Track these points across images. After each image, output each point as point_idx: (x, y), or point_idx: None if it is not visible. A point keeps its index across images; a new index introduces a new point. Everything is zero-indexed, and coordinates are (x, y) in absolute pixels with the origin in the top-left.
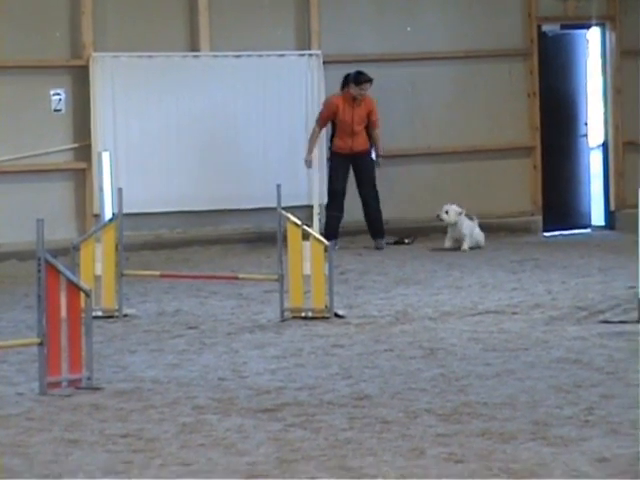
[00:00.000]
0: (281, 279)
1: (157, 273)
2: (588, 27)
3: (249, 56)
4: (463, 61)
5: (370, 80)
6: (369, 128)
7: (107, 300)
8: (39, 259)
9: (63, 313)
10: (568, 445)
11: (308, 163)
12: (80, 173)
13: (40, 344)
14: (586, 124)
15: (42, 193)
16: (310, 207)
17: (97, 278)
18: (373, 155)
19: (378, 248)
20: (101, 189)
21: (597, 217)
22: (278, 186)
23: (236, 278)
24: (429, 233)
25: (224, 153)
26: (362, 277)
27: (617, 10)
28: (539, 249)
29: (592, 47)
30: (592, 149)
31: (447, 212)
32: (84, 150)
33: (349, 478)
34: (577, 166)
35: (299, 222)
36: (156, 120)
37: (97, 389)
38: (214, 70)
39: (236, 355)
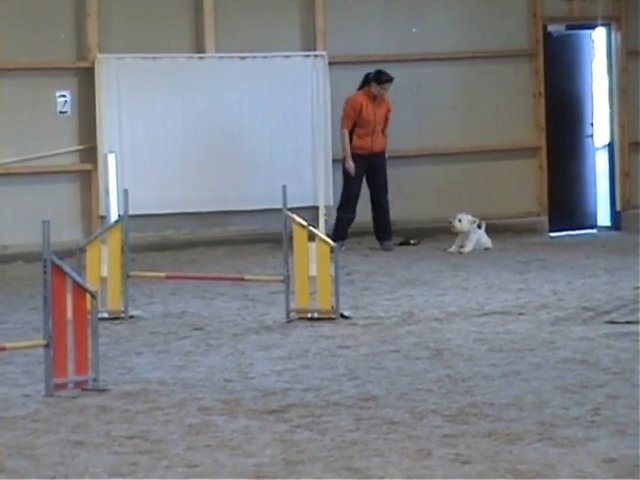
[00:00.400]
0: (287, 280)
1: (163, 274)
2: (594, 27)
3: (254, 57)
4: (469, 62)
5: (391, 79)
6: (383, 128)
7: (113, 302)
8: (45, 261)
9: (69, 315)
10: (575, 446)
11: (351, 169)
12: (86, 175)
13: (46, 346)
14: (592, 124)
15: (48, 195)
16: (316, 208)
17: (103, 280)
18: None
19: (386, 249)
20: (107, 191)
21: (603, 217)
22: (284, 187)
23: (242, 279)
24: (435, 234)
25: (230, 154)
26: (368, 278)
27: (623, 10)
28: (545, 249)
29: (598, 47)
30: (598, 149)
31: (460, 220)
32: (90, 152)
33: (355, 479)
34: (583, 166)
35: (305, 223)
36: (161, 121)
37: (103, 391)
38: (219, 71)
39: (242, 356)
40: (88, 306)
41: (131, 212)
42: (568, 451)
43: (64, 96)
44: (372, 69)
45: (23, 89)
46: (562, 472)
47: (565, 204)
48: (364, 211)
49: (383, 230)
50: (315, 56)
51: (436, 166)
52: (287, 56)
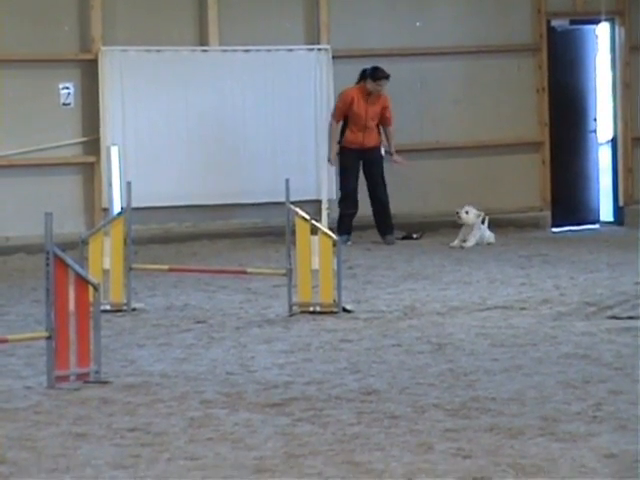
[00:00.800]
0: (289, 273)
1: (165, 267)
2: (597, 22)
3: (258, 50)
4: (472, 56)
5: (387, 77)
6: (383, 125)
7: (115, 294)
8: (47, 253)
9: (71, 307)
10: (576, 441)
11: (332, 162)
12: (89, 167)
13: (48, 338)
14: (595, 119)
15: (51, 187)
16: (319, 201)
17: (105, 272)
18: (382, 151)
19: (389, 244)
20: (110, 183)
21: (606, 213)
22: (287, 180)
23: (244, 272)
24: (437, 228)
25: (233, 147)
26: (370, 272)
27: (626, 5)
28: (547, 244)
29: (601, 42)
30: (601, 144)
31: (467, 212)
32: (93, 144)
33: (357, 473)
34: (586, 161)
35: (307, 217)
36: (165, 114)
37: (105, 383)
38: (223, 64)
39: (244, 349)
40: (90, 298)
41: (134, 204)
42: (570, 446)
43: (67, 88)
44: (376, 63)
45: (26, 81)
46: (563, 467)
47: (568, 199)
48: (364, 205)
49: (384, 224)
50: (319, 49)
51: (439, 160)
52: (291, 49)
